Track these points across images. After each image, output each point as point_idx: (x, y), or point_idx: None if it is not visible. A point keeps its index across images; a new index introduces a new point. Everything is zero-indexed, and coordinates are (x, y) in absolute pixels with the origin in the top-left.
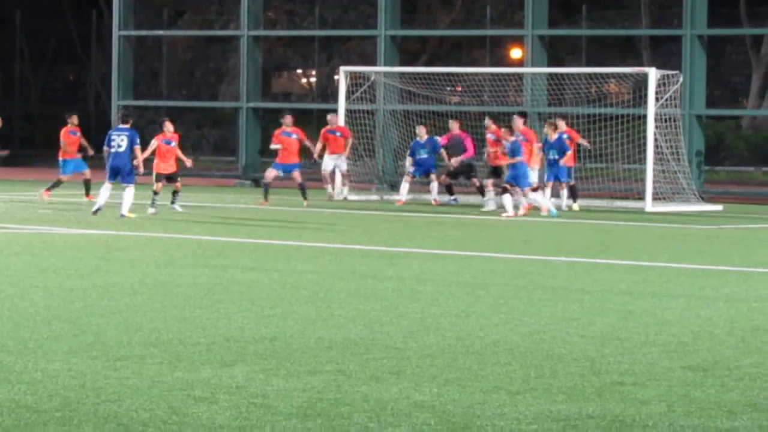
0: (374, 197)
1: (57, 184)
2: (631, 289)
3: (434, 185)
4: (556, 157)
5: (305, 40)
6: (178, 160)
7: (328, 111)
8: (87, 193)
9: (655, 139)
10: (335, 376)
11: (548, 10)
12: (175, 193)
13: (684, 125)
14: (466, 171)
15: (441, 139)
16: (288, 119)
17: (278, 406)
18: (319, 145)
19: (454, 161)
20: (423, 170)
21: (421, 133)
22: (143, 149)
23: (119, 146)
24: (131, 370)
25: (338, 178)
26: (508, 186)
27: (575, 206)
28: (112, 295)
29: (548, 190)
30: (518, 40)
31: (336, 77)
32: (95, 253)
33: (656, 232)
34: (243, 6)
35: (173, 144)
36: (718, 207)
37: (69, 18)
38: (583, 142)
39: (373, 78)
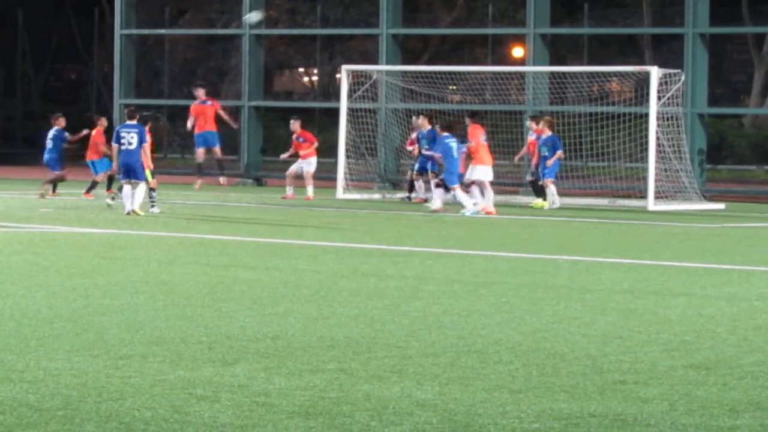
0: (376, 196)
1: (94, 185)
2: (633, 288)
3: (420, 184)
4: (546, 154)
5: (307, 39)
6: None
7: (330, 110)
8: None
9: (657, 138)
10: (337, 375)
11: (550, 8)
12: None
13: (686, 124)
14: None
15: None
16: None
17: (280, 404)
18: (291, 151)
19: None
20: (420, 167)
21: (424, 124)
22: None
23: (129, 143)
24: (133, 369)
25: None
26: (440, 181)
27: (537, 203)
28: (113, 294)
29: (553, 187)
30: (520, 39)
31: (338, 76)
32: (97, 252)
33: (658, 231)
34: (245, 5)
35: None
36: (720, 206)
37: (71, 16)
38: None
39: (374, 77)
